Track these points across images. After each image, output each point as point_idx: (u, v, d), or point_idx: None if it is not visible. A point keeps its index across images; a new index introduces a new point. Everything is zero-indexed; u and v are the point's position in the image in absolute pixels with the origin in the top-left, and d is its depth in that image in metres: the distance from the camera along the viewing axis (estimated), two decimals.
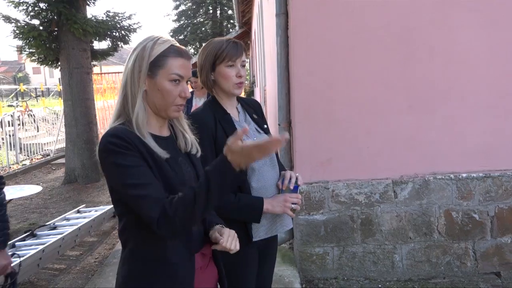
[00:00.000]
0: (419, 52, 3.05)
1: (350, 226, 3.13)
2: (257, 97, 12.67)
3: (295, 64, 3.06)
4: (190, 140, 1.34)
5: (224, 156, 1.10)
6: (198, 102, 4.94)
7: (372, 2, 2.99)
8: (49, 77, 47.50)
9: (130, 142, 1.14)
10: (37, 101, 20.44)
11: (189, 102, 4.92)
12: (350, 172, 3.11)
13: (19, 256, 2.93)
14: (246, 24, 14.03)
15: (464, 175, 3.11)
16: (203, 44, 1.75)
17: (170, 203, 1.11)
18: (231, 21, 26.61)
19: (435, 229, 3.14)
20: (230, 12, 26.80)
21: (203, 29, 27.72)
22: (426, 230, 3.14)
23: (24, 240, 3.62)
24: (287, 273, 3.20)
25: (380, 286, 3.11)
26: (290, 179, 1.77)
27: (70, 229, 3.80)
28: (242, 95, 3.13)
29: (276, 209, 1.69)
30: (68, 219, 4.31)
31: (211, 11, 28.03)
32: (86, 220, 4.14)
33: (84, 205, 5.04)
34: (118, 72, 11.03)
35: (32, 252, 3.19)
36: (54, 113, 13.08)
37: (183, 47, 1.28)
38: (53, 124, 12.35)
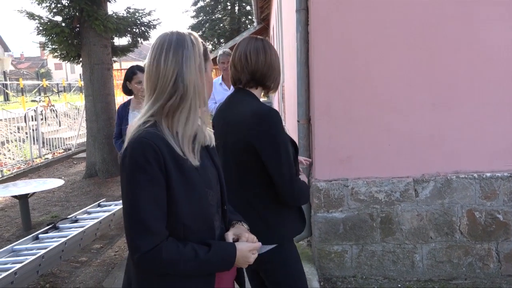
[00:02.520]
0: (442, 48, 2.98)
1: (370, 224, 3.10)
2: (275, 93, 12.62)
3: (315, 60, 3.03)
4: (207, 133, 1.29)
5: (234, 250, 1.19)
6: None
7: None
8: (71, 72, 48.41)
9: (155, 156, 1.08)
10: (58, 96, 20.85)
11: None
12: (370, 170, 3.07)
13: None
14: (265, 20, 14.00)
15: (488, 174, 3.03)
16: (263, 45, 1.72)
17: (168, 248, 1.09)
18: (249, 17, 26.55)
19: (457, 229, 3.08)
20: (248, 8, 26.74)
21: (221, 25, 27.76)
22: (447, 230, 3.08)
23: (47, 233, 3.70)
24: (305, 270, 3.19)
25: (399, 285, 3.07)
26: None
27: (91, 223, 3.86)
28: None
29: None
30: (89, 213, 4.38)
31: (229, 7, 28.03)
32: (107, 214, 4.20)
33: (104, 199, 5.12)
34: None
35: (55, 244, 3.26)
36: (76, 108, 13.34)
37: None
38: (74, 119, 12.59)
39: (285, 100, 7.77)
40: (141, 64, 3.94)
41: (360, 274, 3.15)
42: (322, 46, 3.00)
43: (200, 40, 1.20)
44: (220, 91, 4.44)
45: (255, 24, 15.43)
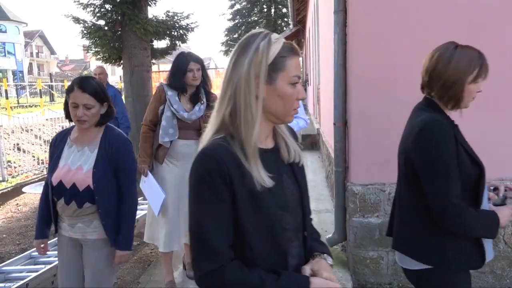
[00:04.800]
0: (488, 49, 2.84)
1: None
2: (310, 96, 12.55)
3: (352, 62, 2.98)
4: (292, 148, 1.17)
5: (307, 285, 1.04)
6: None
7: None
8: (111, 75, 49.90)
9: (218, 169, 1.00)
10: None
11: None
12: None
13: None
14: (300, 22, 13.95)
15: None
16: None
17: (232, 271, 1.00)
18: (285, 19, 26.54)
19: (501, 239, 2.94)
20: (284, 10, 26.74)
21: (257, 27, 27.82)
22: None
23: None
24: (338, 275, 3.14)
25: None
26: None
27: None
28: None
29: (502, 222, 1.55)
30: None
31: (265, 10, 28.14)
32: (143, 212, 4.31)
33: (142, 197, 5.26)
34: None
35: None
36: None
37: (292, 43, 1.12)
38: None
39: (320, 103, 7.70)
40: None
41: (396, 282, 3.06)
42: (360, 47, 2.95)
43: (276, 46, 1.05)
44: None
45: (291, 26, 15.41)
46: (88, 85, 1.99)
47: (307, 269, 1.11)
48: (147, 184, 3.04)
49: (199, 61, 3.02)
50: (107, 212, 2.05)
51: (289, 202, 1.12)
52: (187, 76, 2.95)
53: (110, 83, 5.79)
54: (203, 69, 3.05)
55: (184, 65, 2.95)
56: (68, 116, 2.08)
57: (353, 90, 3.00)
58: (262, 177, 1.03)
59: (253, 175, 1.03)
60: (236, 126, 1.06)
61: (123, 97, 6.73)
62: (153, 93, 3.18)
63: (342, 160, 3.19)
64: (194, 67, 2.95)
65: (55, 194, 2.08)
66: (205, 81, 3.08)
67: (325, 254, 1.19)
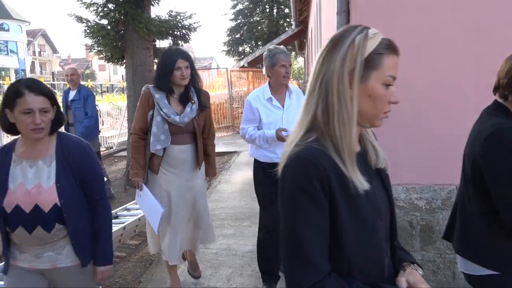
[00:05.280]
0: (492, 52, 2.85)
1: (409, 232, 3.01)
2: None
3: None
4: (381, 153, 1.10)
5: None
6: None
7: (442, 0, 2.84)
8: (113, 74, 50.28)
9: (318, 175, 0.93)
10: (102, 96, 21.70)
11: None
12: (410, 176, 2.99)
13: None
14: (303, 23, 13.96)
15: None
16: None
17: (331, 284, 0.93)
18: (288, 19, 26.54)
19: None
20: (286, 10, 26.75)
21: (259, 28, 27.91)
22: None
23: None
24: None
25: None
26: None
27: (130, 219, 3.99)
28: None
29: None
30: (128, 209, 4.53)
31: (267, 10, 28.14)
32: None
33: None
34: None
35: None
36: (118, 108, 13.81)
37: (392, 40, 1.03)
38: (116, 118, 13.04)
39: None
40: None
41: None
42: None
43: (373, 42, 0.97)
44: (268, 108, 2.94)
45: (293, 26, 15.41)
46: (40, 86, 1.70)
47: (403, 282, 1.05)
48: (143, 198, 2.83)
49: (188, 58, 2.73)
50: (79, 230, 1.80)
51: (381, 209, 1.05)
52: (174, 75, 2.67)
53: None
54: (192, 66, 2.77)
55: (171, 62, 2.66)
56: (10, 129, 1.74)
57: None
58: (360, 181, 0.97)
59: (351, 179, 0.96)
60: (330, 126, 0.97)
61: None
62: None
63: None
64: (182, 64, 2.67)
65: (9, 223, 1.73)
66: (194, 79, 2.80)
67: (415, 265, 1.12)
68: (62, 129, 1.98)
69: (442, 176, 2.96)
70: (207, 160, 3.04)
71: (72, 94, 5.41)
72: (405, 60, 2.93)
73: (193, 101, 2.78)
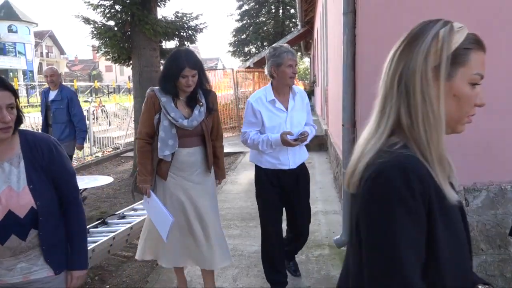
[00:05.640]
0: (498, 50, 2.84)
1: None
2: (318, 97, 12.53)
3: (362, 63, 2.98)
4: (452, 163, 0.95)
5: None
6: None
7: None
8: (120, 74, 50.54)
9: (421, 188, 0.82)
10: (108, 97, 21.83)
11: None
12: None
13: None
14: (309, 23, 13.94)
15: None
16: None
17: None
18: (293, 20, 26.52)
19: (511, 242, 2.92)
20: (292, 11, 26.73)
21: (265, 28, 27.92)
22: (500, 243, 2.93)
23: (96, 227, 3.88)
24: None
25: None
26: None
27: (137, 219, 4.01)
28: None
29: None
30: (135, 210, 4.55)
31: (273, 11, 28.14)
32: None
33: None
34: None
35: (104, 239, 3.41)
36: (124, 109, 13.88)
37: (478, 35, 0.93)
38: (123, 119, 13.11)
39: (328, 104, 7.69)
40: None
41: None
42: (369, 49, 2.95)
43: (458, 36, 0.88)
44: (271, 110, 2.81)
45: (299, 27, 15.39)
46: (3, 80, 1.52)
47: None
48: (151, 205, 2.72)
49: (196, 66, 2.56)
50: (51, 234, 1.64)
51: (462, 223, 0.95)
52: (179, 82, 2.55)
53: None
54: (202, 71, 2.64)
55: (177, 69, 2.52)
56: None
57: (362, 92, 3.00)
58: (451, 192, 0.87)
59: (444, 191, 0.86)
60: (414, 130, 0.88)
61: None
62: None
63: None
64: (189, 73, 2.52)
65: None
66: (202, 81, 2.67)
67: (490, 286, 1.03)
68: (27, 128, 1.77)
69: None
70: (216, 162, 2.92)
71: (52, 94, 5.15)
72: None
73: (201, 104, 2.66)
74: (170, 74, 2.56)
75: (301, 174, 2.94)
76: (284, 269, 2.97)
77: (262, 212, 2.97)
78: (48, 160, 1.64)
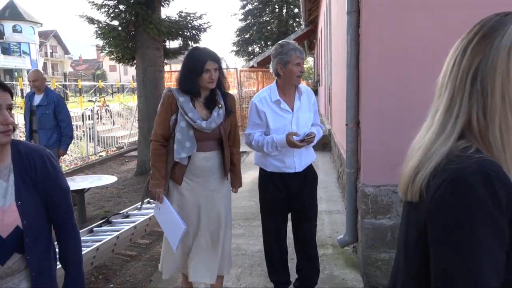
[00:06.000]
0: None
1: None
2: (322, 96, 12.51)
3: (365, 63, 2.98)
4: None
5: None
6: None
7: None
8: (124, 74, 50.67)
9: (507, 201, 0.73)
10: (112, 97, 21.90)
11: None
12: None
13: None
14: (312, 23, 13.93)
15: None
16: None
17: None
18: (297, 19, 26.51)
19: None
20: (296, 10, 26.72)
21: (268, 28, 27.93)
22: None
23: (100, 226, 3.90)
24: (350, 276, 3.14)
25: None
26: None
27: (141, 219, 4.02)
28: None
29: None
30: (139, 209, 4.57)
31: (277, 10, 28.14)
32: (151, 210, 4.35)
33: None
34: None
35: (108, 238, 3.43)
36: (128, 109, 13.94)
37: None
38: (127, 118, 13.16)
39: (332, 103, 7.68)
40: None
41: None
42: (373, 48, 2.94)
43: None
44: (276, 111, 2.70)
45: (302, 26, 15.38)
46: (2, 81, 1.41)
47: None
48: (163, 212, 2.57)
49: (217, 59, 2.50)
50: (40, 259, 1.45)
51: None
52: (202, 78, 2.44)
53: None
54: (221, 68, 2.55)
55: (200, 64, 2.43)
56: None
57: (366, 91, 3.00)
58: None
59: None
60: (489, 133, 0.79)
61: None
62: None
63: (354, 161, 3.19)
64: (211, 67, 2.43)
65: None
66: (221, 81, 2.58)
67: None
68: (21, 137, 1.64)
69: None
70: (233, 169, 2.76)
71: (37, 99, 4.81)
72: (415, 58, 2.93)
73: (220, 105, 2.55)
74: (192, 70, 2.46)
75: (308, 177, 2.80)
76: (287, 269, 2.96)
77: (264, 217, 2.89)
78: (41, 175, 1.45)
